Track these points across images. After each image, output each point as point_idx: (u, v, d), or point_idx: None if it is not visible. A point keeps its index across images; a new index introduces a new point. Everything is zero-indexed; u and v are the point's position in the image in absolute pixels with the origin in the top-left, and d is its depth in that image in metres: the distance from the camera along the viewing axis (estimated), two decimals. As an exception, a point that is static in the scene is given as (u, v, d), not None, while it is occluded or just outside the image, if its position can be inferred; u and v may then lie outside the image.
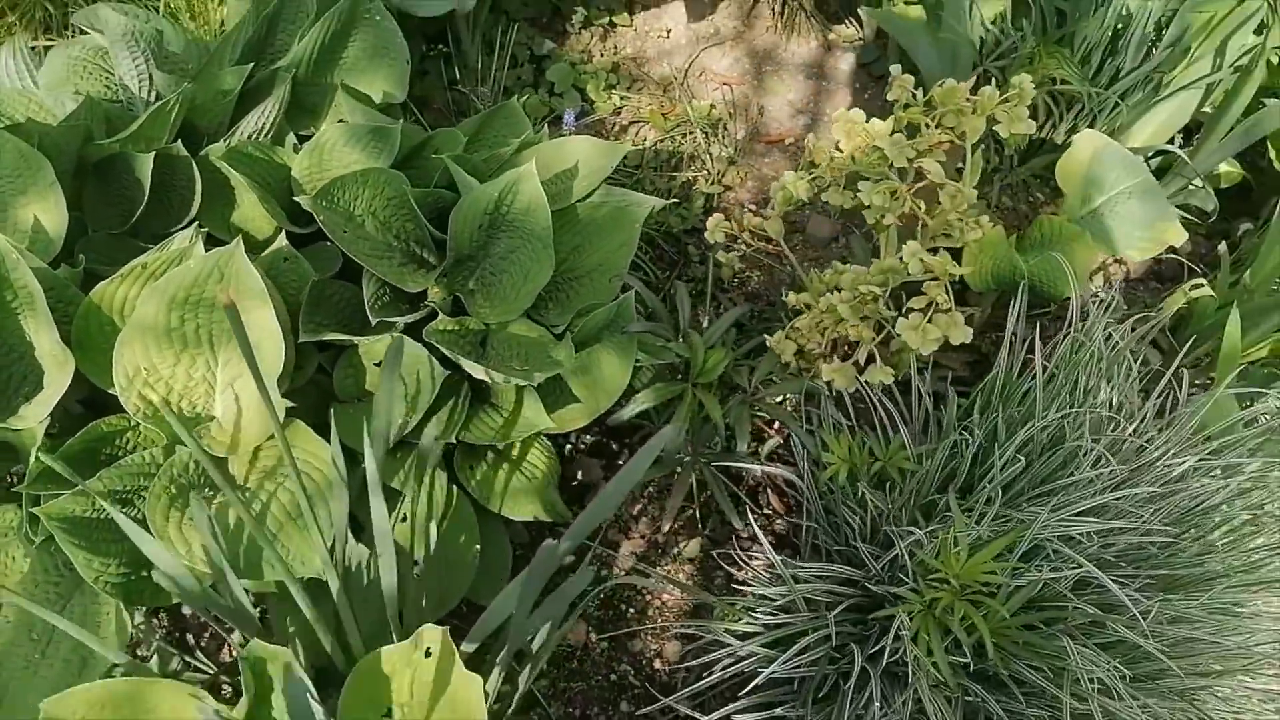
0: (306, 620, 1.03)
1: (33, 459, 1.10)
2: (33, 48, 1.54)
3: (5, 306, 1.10)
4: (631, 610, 1.45)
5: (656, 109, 2.12)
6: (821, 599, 1.17)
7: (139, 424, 1.14)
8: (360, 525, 1.13)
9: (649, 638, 1.41)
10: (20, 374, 1.13)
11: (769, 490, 1.49)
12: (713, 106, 2.13)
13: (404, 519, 1.19)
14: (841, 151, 1.38)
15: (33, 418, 1.11)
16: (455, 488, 1.30)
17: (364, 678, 0.98)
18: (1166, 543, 1.11)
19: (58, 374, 1.10)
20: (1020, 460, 1.16)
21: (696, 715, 1.17)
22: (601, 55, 2.21)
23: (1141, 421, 1.24)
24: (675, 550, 1.48)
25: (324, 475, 1.11)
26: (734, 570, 1.40)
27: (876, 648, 1.11)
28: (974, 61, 1.86)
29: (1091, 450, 1.14)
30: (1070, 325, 1.30)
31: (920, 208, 1.31)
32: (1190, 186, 1.84)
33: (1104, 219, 1.60)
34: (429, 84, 2.02)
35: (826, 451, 1.25)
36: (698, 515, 1.49)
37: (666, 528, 1.44)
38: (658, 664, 1.41)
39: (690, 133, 2.09)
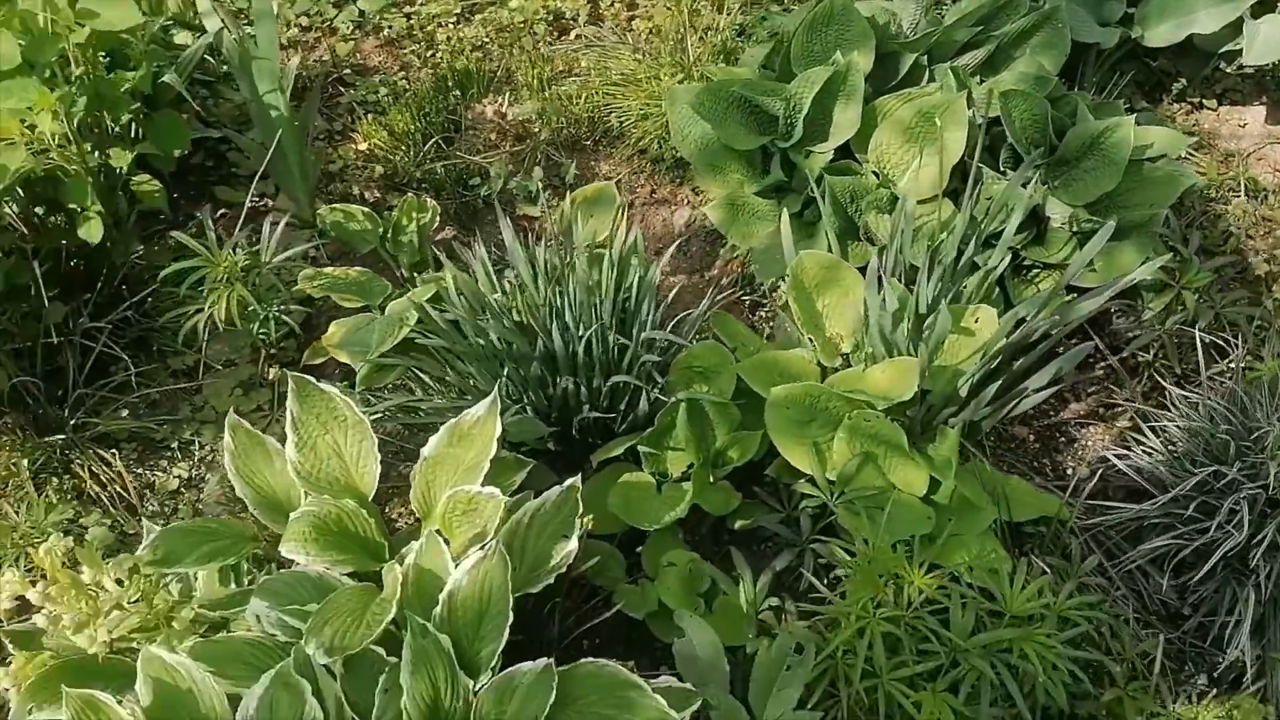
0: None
1: (815, 172, 2.19)
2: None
3: (833, 92, 2.21)
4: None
5: (1213, 167, 2.79)
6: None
7: (868, 172, 2.18)
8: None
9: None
10: (819, 131, 2.24)
11: None
12: (1259, 179, 2.75)
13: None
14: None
15: (824, 150, 2.20)
16: (1000, 287, 2.16)
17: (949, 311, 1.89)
18: None
19: (845, 132, 2.19)
20: None
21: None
22: (1182, 121, 2.93)
23: None
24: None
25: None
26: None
27: None
28: None
29: None
30: None
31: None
32: None
33: None
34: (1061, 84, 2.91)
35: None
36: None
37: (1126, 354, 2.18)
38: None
39: (1235, 190, 2.72)
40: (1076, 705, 1.73)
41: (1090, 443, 2.29)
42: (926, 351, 1.80)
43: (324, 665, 1.28)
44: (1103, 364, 2.30)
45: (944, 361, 1.94)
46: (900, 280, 1.99)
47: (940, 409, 1.93)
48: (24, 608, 1.39)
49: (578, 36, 3.27)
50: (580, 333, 1.86)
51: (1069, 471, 2.23)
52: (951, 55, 2.44)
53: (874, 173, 2.21)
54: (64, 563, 1.34)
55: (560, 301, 1.92)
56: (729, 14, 3.17)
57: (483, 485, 1.51)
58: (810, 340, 1.94)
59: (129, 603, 1.32)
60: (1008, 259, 2.04)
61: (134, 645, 1.34)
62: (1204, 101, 2.97)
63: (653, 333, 1.86)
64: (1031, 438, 2.29)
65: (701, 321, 2.10)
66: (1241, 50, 2.66)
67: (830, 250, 2.11)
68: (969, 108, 2.24)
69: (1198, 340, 2.00)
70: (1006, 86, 2.29)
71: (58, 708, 1.27)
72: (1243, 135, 2.92)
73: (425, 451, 1.58)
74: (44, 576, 1.33)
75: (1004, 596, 1.63)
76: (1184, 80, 2.90)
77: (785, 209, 2.17)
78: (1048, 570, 1.78)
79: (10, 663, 1.40)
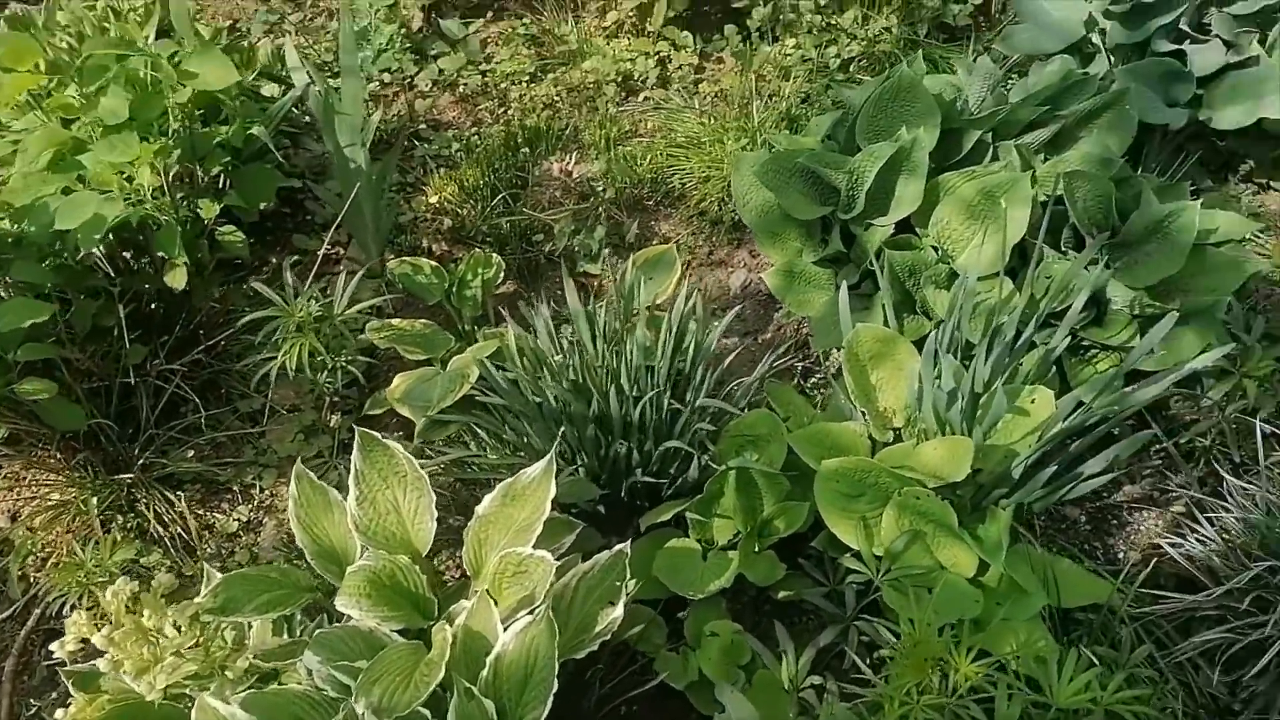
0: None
1: (874, 245, 2.21)
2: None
3: (896, 167, 2.23)
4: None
5: (1276, 249, 2.75)
6: None
7: (927, 247, 2.20)
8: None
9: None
10: (881, 204, 2.26)
11: None
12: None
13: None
14: None
15: (884, 224, 2.23)
16: (1057, 367, 2.15)
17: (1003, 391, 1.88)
18: None
19: (907, 207, 2.21)
20: None
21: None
22: (1248, 202, 2.90)
23: None
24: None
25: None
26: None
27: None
28: None
29: None
30: None
31: None
32: None
33: None
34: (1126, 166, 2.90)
35: None
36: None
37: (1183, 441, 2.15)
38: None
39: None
40: (1125, 802, 1.69)
41: (1143, 527, 2.25)
42: (980, 432, 1.79)
43: (371, 723, 1.31)
44: (1159, 448, 2.27)
45: (998, 441, 1.93)
46: (956, 357, 2.00)
47: (992, 488, 1.92)
48: (88, 647, 1.45)
49: (645, 99, 3.36)
50: (636, 395, 1.90)
51: (1120, 556, 2.19)
52: (1016, 133, 2.45)
53: (934, 248, 2.22)
54: (127, 606, 1.40)
55: (617, 364, 1.96)
56: (794, 81, 3.24)
57: (535, 547, 1.55)
58: (863, 413, 1.95)
59: (186, 649, 1.38)
60: (1067, 340, 2.03)
61: (188, 691, 1.39)
62: (1271, 183, 2.93)
63: (706, 400, 1.89)
64: (1083, 519, 2.26)
65: (754, 388, 2.12)
66: (1313, 135, 2.63)
67: (886, 323, 2.12)
68: (1032, 186, 2.26)
69: (1258, 430, 1.97)
70: (1071, 167, 2.29)
71: (116, 752, 1.32)
72: (1312, 218, 2.88)
73: (480, 509, 1.62)
74: (107, 619, 1.39)
75: (1051, 688, 1.61)
76: (1251, 162, 2.87)
77: (844, 280, 2.20)
78: (1096, 662, 1.74)
79: (71, 704, 1.46)
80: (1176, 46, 2.74)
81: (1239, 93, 2.65)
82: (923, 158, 2.21)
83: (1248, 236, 2.78)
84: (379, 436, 1.62)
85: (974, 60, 2.67)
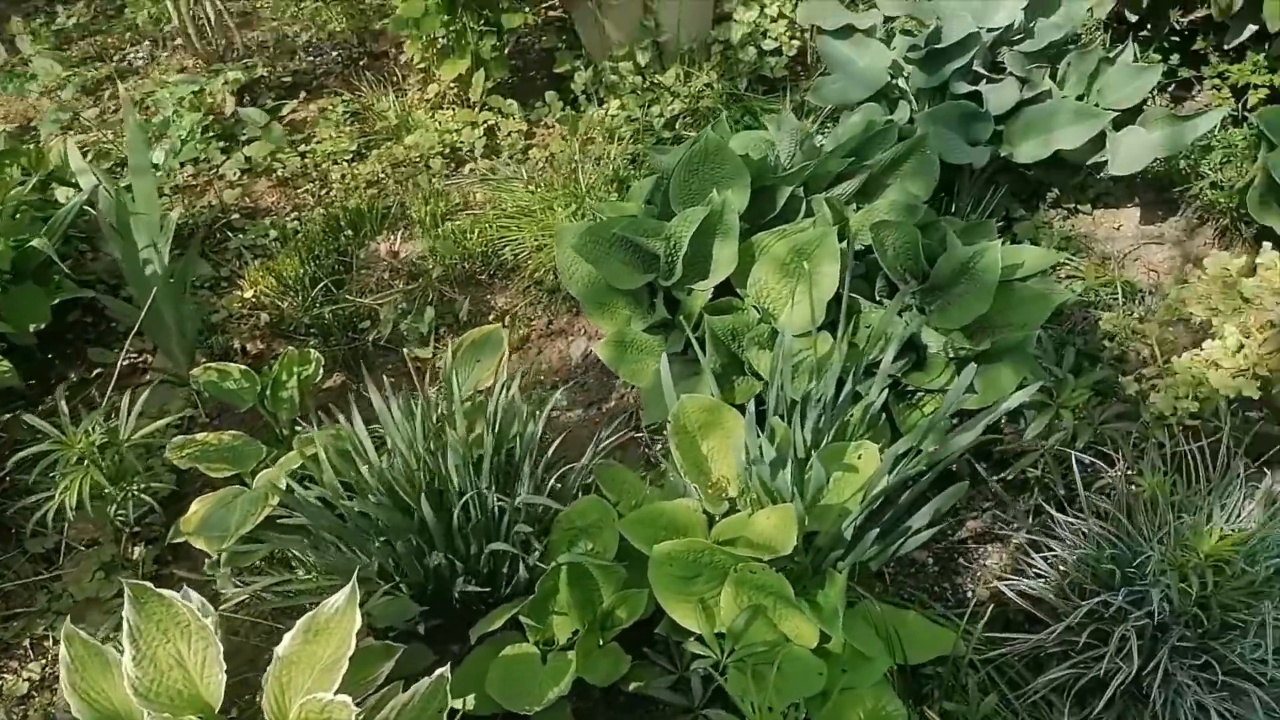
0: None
1: (696, 310, 2.19)
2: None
3: (710, 230, 2.22)
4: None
5: (1091, 270, 2.87)
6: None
7: (746, 308, 2.18)
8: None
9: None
10: (701, 268, 2.25)
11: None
12: (1138, 280, 2.83)
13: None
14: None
15: (703, 288, 2.20)
16: (886, 414, 2.16)
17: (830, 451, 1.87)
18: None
19: (724, 270, 2.19)
20: None
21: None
22: (1059, 227, 3.03)
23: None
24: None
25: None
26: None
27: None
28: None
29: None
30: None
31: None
32: None
33: None
34: (931, 211, 3.00)
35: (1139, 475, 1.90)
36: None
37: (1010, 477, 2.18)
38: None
39: (1113, 293, 2.80)
40: None
41: (989, 563, 2.27)
42: (804, 499, 1.77)
43: None
44: (998, 478, 2.31)
45: (830, 500, 1.92)
46: (785, 418, 1.98)
47: (829, 550, 1.90)
48: None
49: (471, 170, 3.29)
50: (457, 498, 1.80)
51: (969, 594, 2.21)
52: (827, 185, 2.49)
53: (756, 308, 2.22)
54: None
55: (436, 463, 1.86)
56: (620, 143, 3.23)
57: (349, 680, 1.43)
58: (695, 488, 1.91)
59: None
60: (886, 391, 2.05)
61: None
62: (1079, 207, 3.07)
63: (530, 497, 1.81)
64: (930, 561, 2.27)
65: (587, 471, 2.05)
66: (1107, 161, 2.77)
67: (713, 389, 2.09)
68: (842, 240, 2.28)
69: (1074, 461, 2.01)
70: (880, 216, 2.34)
71: None
72: (1118, 237, 3.03)
73: (279, 650, 1.48)
74: None
75: (899, 757, 1.58)
76: (1057, 190, 3.00)
77: (665, 352, 2.17)
78: None
79: None
80: (974, 87, 2.86)
81: (1033, 128, 2.77)
82: (733, 220, 2.21)
83: (1061, 262, 2.90)
84: (151, 587, 1.47)
85: (789, 113, 2.71)
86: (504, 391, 1.99)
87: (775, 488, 1.82)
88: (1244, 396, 1.92)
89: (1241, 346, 1.86)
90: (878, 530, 1.75)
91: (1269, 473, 1.95)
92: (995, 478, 2.23)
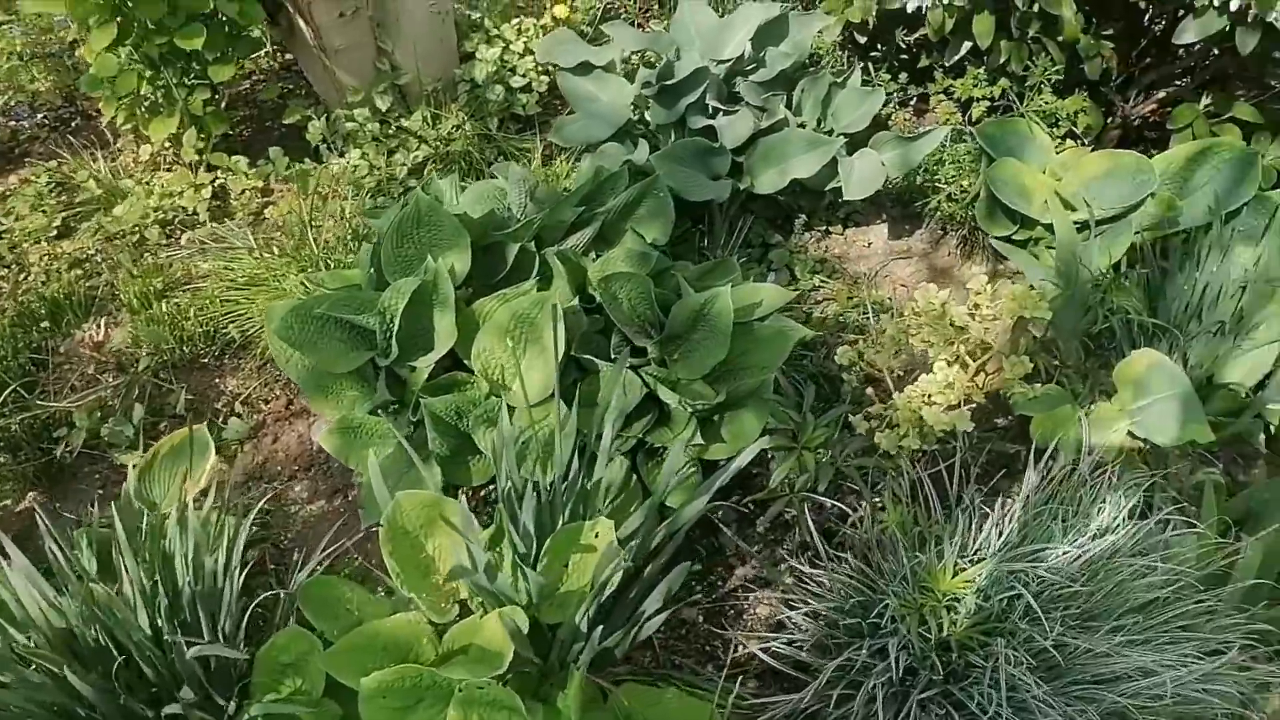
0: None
1: (418, 389, 2.01)
2: (463, 186, 2.62)
3: (428, 300, 2.05)
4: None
5: (843, 291, 2.89)
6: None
7: (476, 381, 2.03)
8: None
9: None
10: (425, 340, 2.07)
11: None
12: (888, 297, 2.87)
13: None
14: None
15: (424, 365, 2.03)
16: (635, 475, 2.06)
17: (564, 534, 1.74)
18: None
19: (445, 343, 2.02)
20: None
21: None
22: (814, 250, 3.04)
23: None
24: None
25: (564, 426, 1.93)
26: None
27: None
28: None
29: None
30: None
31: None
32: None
33: (1146, 412, 2.14)
34: (686, 248, 2.94)
35: (882, 510, 1.87)
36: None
37: (762, 530, 2.11)
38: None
39: (865, 312, 2.82)
40: None
41: (761, 611, 2.21)
42: (530, 597, 1.63)
43: None
44: (763, 519, 2.25)
45: (572, 585, 1.79)
46: (518, 501, 1.83)
47: (571, 643, 1.76)
48: None
49: (189, 239, 2.98)
50: (133, 652, 1.55)
51: (740, 649, 2.13)
52: (563, 235, 2.37)
53: (486, 380, 2.06)
54: None
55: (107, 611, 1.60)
56: (358, 197, 3.01)
57: None
58: (416, 598, 1.73)
59: None
60: (625, 456, 1.94)
61: None
62: (830, 229, 3.10)
63: (205, 648, 1.57)
64: (700, 618, 2.19)
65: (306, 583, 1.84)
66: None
67: (436, 479, 1.92)
68: (580, 294, 2.17)
69: (819, 504, 1.97)
70: (615, 266, 2.23)
71: None
72: (869, 255, 3.07)
73: None
74: None
75: None
76: (805, 215, 3.01)
77: (404, 435, 1.98)
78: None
79: None
80: (710, 121, 2.82)
81: (770, 158, 2.75)
82: (449, 290, 2.04)
83: (816, 285, 2.91)
84: None
85: (513, 164, 2.58)
86: (200, 505, 1.74)
87: (499, 589, 1.67)
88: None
89: (951, 382, 1.87)
90: (602, 627, 1.63)
91: (1001, 496, 1.97)
92: (761, 520, 2.17)
